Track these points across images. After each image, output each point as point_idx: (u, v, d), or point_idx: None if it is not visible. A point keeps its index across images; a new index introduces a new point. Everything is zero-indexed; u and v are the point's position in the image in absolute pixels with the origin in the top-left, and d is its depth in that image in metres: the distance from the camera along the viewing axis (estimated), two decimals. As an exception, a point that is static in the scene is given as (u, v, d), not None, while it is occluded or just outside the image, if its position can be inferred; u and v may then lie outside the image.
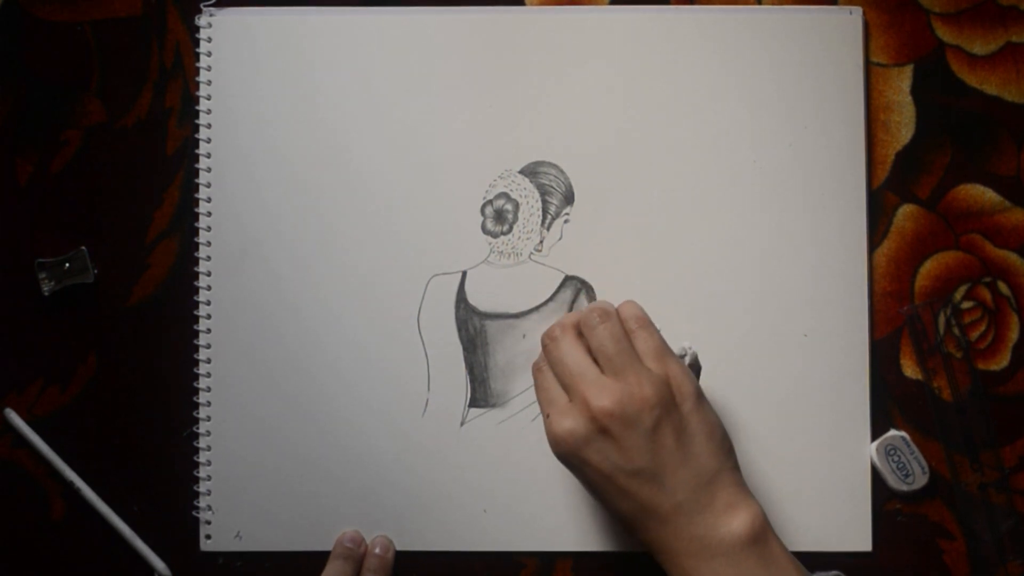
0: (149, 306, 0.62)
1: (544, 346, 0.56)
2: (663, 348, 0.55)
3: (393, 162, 0.61)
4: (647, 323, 0.56)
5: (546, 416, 0.54)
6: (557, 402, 0.54)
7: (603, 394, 0.52)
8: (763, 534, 0.52)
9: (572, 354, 0.54)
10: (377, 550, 0.60)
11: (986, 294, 0.61)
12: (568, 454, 0.53)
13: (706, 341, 0.60)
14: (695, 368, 0.57)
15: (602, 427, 0.52)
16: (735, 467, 0.54)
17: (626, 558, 0.61)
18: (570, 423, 0.52)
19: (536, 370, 0.56)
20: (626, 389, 0.52)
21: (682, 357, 0.56)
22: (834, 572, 0.60)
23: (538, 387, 0.56)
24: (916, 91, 0.62)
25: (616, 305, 0.56)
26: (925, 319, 0.61)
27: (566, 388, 0.54)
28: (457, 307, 0.61)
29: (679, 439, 0.52)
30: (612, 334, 0.54)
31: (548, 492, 0.61)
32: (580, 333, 0.55)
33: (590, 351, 0.54)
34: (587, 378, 0.53)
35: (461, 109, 0.61)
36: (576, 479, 0.54)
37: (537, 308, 0.61)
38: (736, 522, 0.52)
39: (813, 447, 0.60)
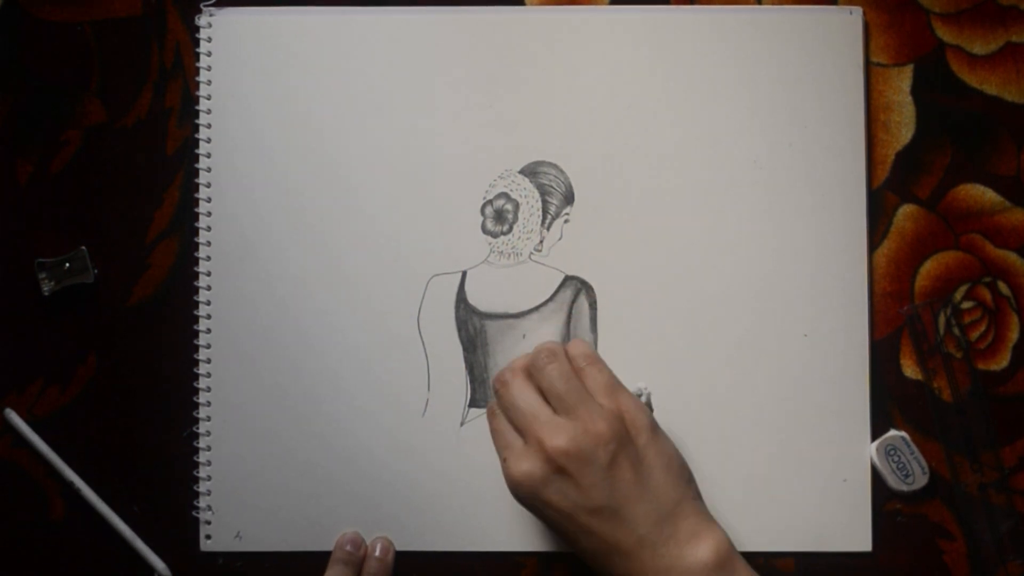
0: (149, 306, 0.62)
1: (495, 391, 0.56)
2: (614, 383, 0.55)
3: (393, 162, 0.61)
4: (596, 359, 0.56)
5: (503, 460, 0.54)
6: (513, 445, 0.54)
7: (557, 433, 0.52)
8: (729, 560, 0.52)
9: (523, 396, 0.55)
10: (377, 552, 0.60)
11: (986, 294, 0.61)
12: (528, 496, 0.53)
13: (706, 341, 0.60)
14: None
15: (559, 467, 0.52)
16: (696, 496, 0.54)
17: (626, 558, 0.61)
18: (527, 465, 0.52)
19: (490, 414, 0.57)
20: (579, 426, 0.52)
21: (637, 396, 0.57)
22: None
23: (493, 432, 0.56)
24: (916, 91, 0.62)
25: (564, 345, 0.57)
26: (925, 319, 0.61)
27: (520, 431, 0.54)
28: (457, 307, 0.61)
29: (637, 472, 0.52)
30: (561, 373, 0.55)
31: (548, 492, 0.61)
32: (530, 375, 0.56)
33: (541, 393, 0.55)
34: (540, 419, 0.53)
35: (461, 109, 0.61)
36: (539, 521, 0.54)
37: (537, 308, 0.61)
38: (701, 550, 0.52)
39: (813, 447, 0.60)
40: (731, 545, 0.53)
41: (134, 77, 0.62)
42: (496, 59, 0.62)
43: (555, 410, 0.54)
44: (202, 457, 0.61)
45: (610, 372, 0.56)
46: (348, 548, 0.60)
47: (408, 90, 0.62)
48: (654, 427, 0.54)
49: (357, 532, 0.61)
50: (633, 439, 0.53)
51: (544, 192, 0.61)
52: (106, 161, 0.62)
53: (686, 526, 0.52)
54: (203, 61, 0.62)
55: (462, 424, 0.61)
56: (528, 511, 0.54)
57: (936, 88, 0.62)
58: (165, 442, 0.61)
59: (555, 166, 0.61)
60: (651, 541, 0.52)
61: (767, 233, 0.61)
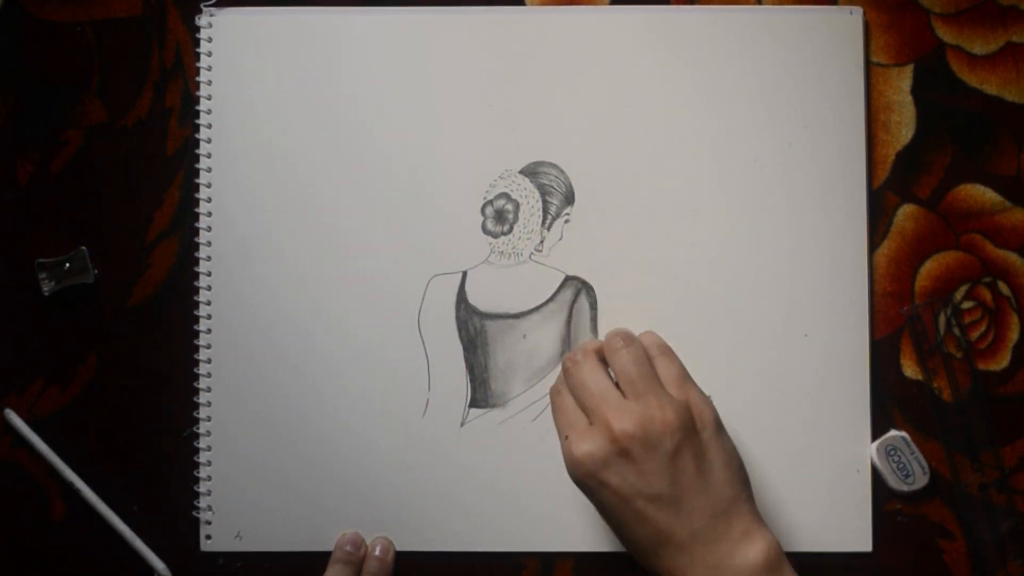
0: (149, 306, 0.62)
1: (565, 369, 0.56)
2: (684, 375, 0.55)
3: (393, 162, 0.61)
4: (668, 350, 0.56)
5: (564, 438, 0.54)
6: (576, 424, 0.54)
7: (625, 417, 0.52)
8: (778, 564, 0.52)
9: (594, 377, 0.55)
10: (377, 552, 0.60)
11: (986, 294, 0.61)
12: (587, 476, 0.52)
13: (706, 341, 0.61)
14: None
15: (623, 449, 0.52)
16: (750, 497, 0.54)
17: (626, 558, 0.61)
18: (590, 445, 0.52)
19: (554, 393, 0.56)
20: (648, 413, 0.52)
21: None
22: None
23: (556, 409, 0.56)
24: (916, 91, 0.62)
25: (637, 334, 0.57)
26: (925, 319, 0.61)
27: (587, 411, 0.54)
28: (457, 307, 0.61)
29: (698, 466, 0.52)
30: (635, 358, 0.55)
31: (548, 492, 0.61)
32: (601, 359, 0.56)
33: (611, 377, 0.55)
34: (609, 401, 0.53)
35: (461, 109, 0.61)
36: (591, 503, 0.54)
37: (537, 308, 0.61)
38: (752, 551, 0.51)
39: (813, 447, 0.60)
40: (781, 550, 0.52)
41: (134, 77, 0.62)
42: (496, 59, 0.62)
43: (624, 394, 0.54)
44: (202, 457, 0.61)
45: (681, 364, 0.56)
46: (348, 548, 0.60)
47: (408, 90, 0.62)
48: (719, 424, 0.54)
49: (357, 532, 0.61)
50: (698, 432, 0.53)
51: (544, 192, 0.61)
52: (106, 161, 0.62)
53: (740, 524, 0.52)
54: (203, 61, 0.62)
55: (462, 424, 0.61)
56: (583, 492, 0.54)
57: (936, 88, 0.62)
58: (165, 442, 0.61)
59: (555, 166, 0.61)
60: (704, 536, 0.52)
61: (767, 233, 0.61)
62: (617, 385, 0.54)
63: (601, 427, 0.53)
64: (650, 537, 0.52)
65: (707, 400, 0.55)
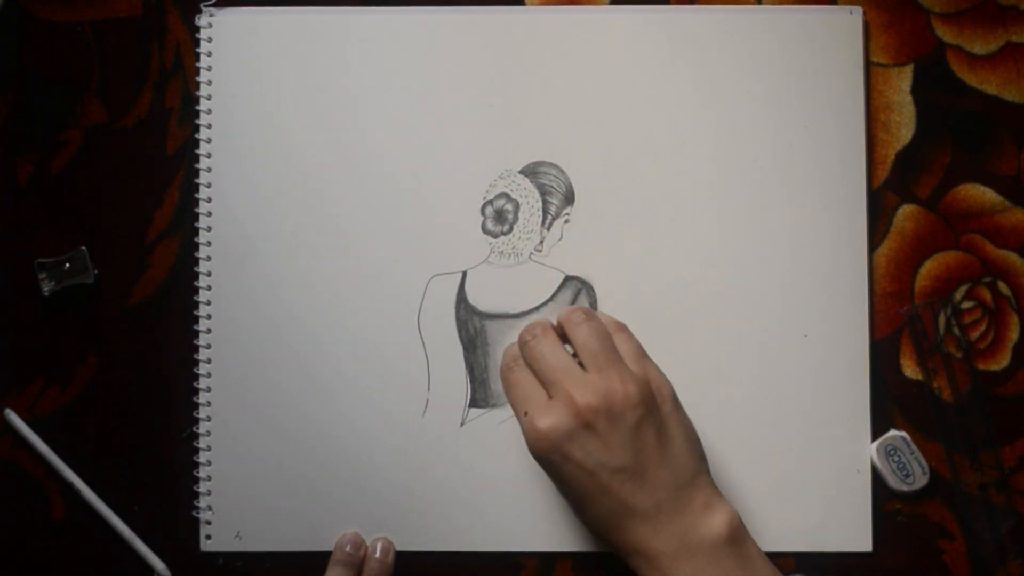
0: (149, 306, 0.62)
1: (523, 343, 0.55)
2: (641, 351, 0.55)
3: (393, 162, 0.61)
4: (624, 327, 0.56)
5: (523, 414, 0.53)
6: (535, 399, 0.53)
7: (588, 390, 0.52)
8: (741, 535, 0.52)
9: (554, 350, 0.54)
10: (377, 554, 0.60)
11: (986, 294, 0.61)
12: (551, 450, 0.52)
13: (706, 341, 0.61)
14: None
15: (587, 422, 0.52)
16: (708, 471, 0.54)
17: (626, 558, 0.61)
18: (553, 418, 0.52)
19: (507, 370, 0.56)
20: (611, 386, 0.52)
21: None
22: None
23: (512, 385, 0.55)
24: (916, 91, 0.62)
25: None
26: (925, 319, 0.61)
27: (547, 384, 0.54)
28: (457, 307, 0.61)
29: (660, 439, 0.53)
30: (597, 332, 0.54)
31: (548, 492, 0.60)
32: (560, 335, 0.56)
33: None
34: (571, 374, 0.53)
35: (461, 109, 0.61)
36: (551, 479, 0.54)
37: (537, 308, 0.61)
38: (715, 522, 0.52)
39: (813, 447, 0.60)
40: (742, 522, 0.53)
41: (134, 77, 0.62)
42: (496, 59, 0.62)
43: (586, 368, 0.54)
44: (202, 457, 0.61)
45: (637, 341, 0.56)
46: (348, 549, 0.60)
47: (408, 90, 0.62)
48: (676, 399, 0.55)
49: (357, 532, 0.61)
50: (659, 406, 0.53)
51: (544, 192, 0.61)
52: (106, 161, 0.62)
53: (701, 497, 0.53)
54: (203, 61, 0.62)
55: (462, 424, 0.61)
56: (544, 468, 0.53)
57: (936, 88, 0.62)
58: (165, 442, 0.61)
59: (555, 166, 0.61)
60: (668, 507, 0.52)
61: (767, 233, 0.61)
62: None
63: (563, 400, 0.52)
64: (613, 510, 0.52)
65: (664, 376, 0.55)
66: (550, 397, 0.53)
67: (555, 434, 0.52)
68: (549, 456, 0.52)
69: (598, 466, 0.52)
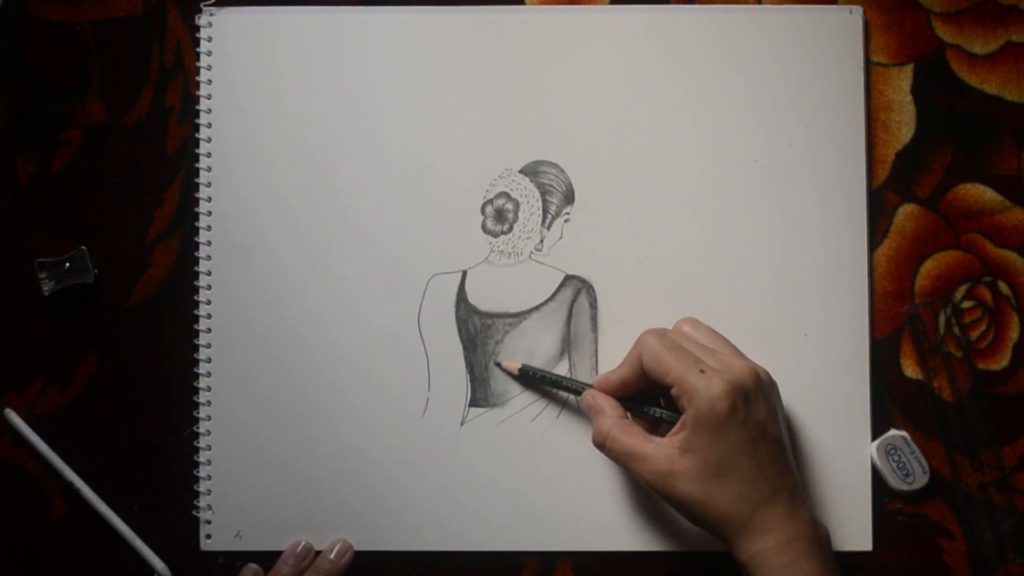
0: (149, 306, 0.62)
1: (679, 330, 0.58)
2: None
3: (393, 161, 0.61)
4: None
5: (700, 372, 0.53)
6: (707, 362, 0.54)
7: (745, 363, 0.55)
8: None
9: (710, 334, 0.58)
10: (332, 555, 0.60)
11: (986, 294, 0.61)
12: (730, 409, 0.52)
13: (706, 341, 0.61)
14: None
15: (757, 385, 0.54)
16: None
17: (627, 558, 0.61)
18: (733, 377, 0.53)
19: (659, 337, 0.55)
20: (756, 367, 0.55)
21: None
22: None
23: (672, 349, 0.54)
24: (916, 91, 0.62)
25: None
26: (925, 319, 0.61)
27: (706, 357, 0.55)
28: (457, 306, 0.61)
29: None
30: (714, 332, 0.58)
31: (548, 492, 0.61)
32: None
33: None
34: (729, 350, 0.57)
35: (461, 109, 0.61)
36: (704, 455, 0.52)
37: (538, 307, 0.61)
38: (817, 518, 0.55)
39: (813, 447, 0.60)
40: None
41: (134, 77, 0.62)
42: (496, 59, 0.62)
43: None
44: (202, 457, 0.61)
45: None
46: (291, 562, 0.60)
47: (408, 90, 0.62)
48: None
49: (308, 542, 0.60)
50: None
51: (544, 191, 0.61)
52: (106, 161, 0.62)
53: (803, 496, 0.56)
54: (203, 61, 0.62)
55: (462, 424, 0.61)
56: (708, 434, 0.52)
57: (936, 88, 0.62)
58: (165, 442, 0.61)
59: (555, 165, 0.61)
60: (800, 493, 0.54)
61: (767, 233, 0.61)
62: None
63: (739, 362, 0.54)
64: (760, 486, 0.53)
65: None
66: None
67: (736, 392, 0.53)
68: (730, 415, 0.52)
69: (760, 435, 0.53)
